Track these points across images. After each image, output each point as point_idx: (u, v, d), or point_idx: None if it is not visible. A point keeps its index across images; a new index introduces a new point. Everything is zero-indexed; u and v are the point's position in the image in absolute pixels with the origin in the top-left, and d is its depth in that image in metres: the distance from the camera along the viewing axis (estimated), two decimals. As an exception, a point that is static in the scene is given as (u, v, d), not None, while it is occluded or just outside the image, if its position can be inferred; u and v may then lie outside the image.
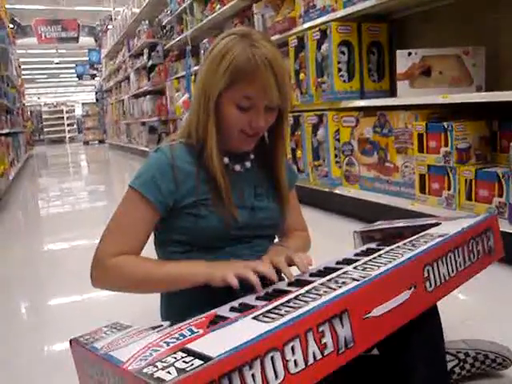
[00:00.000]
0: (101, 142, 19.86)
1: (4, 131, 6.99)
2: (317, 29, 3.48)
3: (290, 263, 1.10)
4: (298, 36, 3.76)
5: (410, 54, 2.72)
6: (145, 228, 1.17)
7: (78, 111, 24.45)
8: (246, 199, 1.22)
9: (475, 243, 1.16)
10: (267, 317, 0.78)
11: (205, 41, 6.37)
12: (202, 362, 0.65)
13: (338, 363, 0.78)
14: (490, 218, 1.26)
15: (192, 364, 0.65)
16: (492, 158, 2.54)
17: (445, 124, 2.48)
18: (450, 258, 1.06)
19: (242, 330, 0.74)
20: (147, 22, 9.29)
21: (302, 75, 3.74)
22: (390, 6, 3.06)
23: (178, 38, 7.43)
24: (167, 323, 0.91)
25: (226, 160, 1.21)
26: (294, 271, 1.08)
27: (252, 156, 1.28)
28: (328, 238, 2.90)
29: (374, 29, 3.39)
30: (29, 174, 9.32)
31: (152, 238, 1.26)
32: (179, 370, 0.64)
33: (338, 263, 1.16)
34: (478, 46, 2.69)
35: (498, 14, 2.67)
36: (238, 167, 1.24)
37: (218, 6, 5.78)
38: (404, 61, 2.73)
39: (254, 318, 0.79)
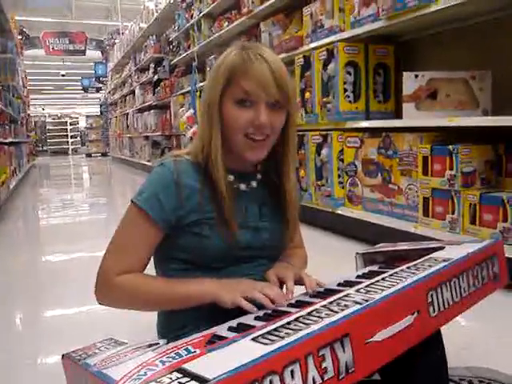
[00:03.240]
0: (103, 154, 19.92)
1: (7, 140, 7.00)
2: (323, 49, 3.48)
3: (297, 280, 1.10)
4: (304, 55, 3.77)
5: (416, 76, 2.72)
6: (148, 245, 1.14)
7: (82, 123, 24.58)
8: (251, 219, 1.19)
9: (480, 269, 1.13)
10: (266, 338, 0.75)
11: (211, 57, 6.41)
12: None
13: None
14: (495, 244, 1.23)
15: None
16: (497, 183, 2.52)
17: (450, 147, 2.46)
18: (455, 283, 1.04)
19: (241, 352, 0.71)
20: (154, 37, 9.37)
21: (307, 94, 3.75)
22: (397, 28, 3.07)
23: (185, 54, 7.48)
24: (163, 341, 0.88)
25: (231, 177, 1.18)
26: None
27: (259, 176, 1.25)
28: (329, 259, 2.87)
29: (381, 50, 3.40)
30: (30, 184, 9.32)
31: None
32: None
33: (339, 285, 1.14)
34: (485, 71, 2.69)
35: (505, 38, 2.68)
36: (243, 186, 1.21)
37: (226, 24, 5.82)
38: (410, 83, 2.72)
39: (253, 339, 0.76)
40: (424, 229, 2.65)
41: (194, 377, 0.65)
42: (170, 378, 0.65)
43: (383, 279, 1.01)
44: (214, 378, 0.63)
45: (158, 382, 0.65)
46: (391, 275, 1.03)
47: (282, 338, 0.74)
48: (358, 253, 1.47)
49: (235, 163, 1.18)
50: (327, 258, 2.83)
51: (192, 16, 6.99)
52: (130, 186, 8.69)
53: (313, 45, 3.74)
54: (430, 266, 1.05)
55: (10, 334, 2.13)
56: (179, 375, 0.66)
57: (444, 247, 1.25)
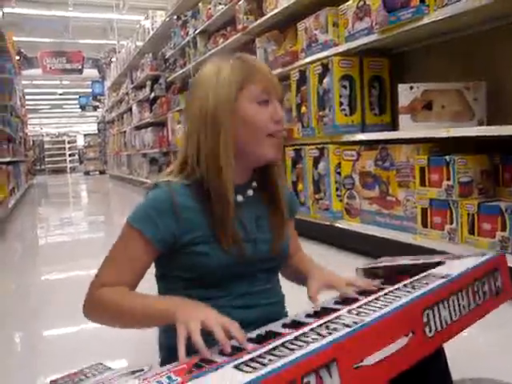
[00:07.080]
0: (101, 172, 19.90)
1: (5, 159, 7.00)
2: (319, 63, 3.51)
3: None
4: (299, 70, 3.79)
5: (411, 88, 2.73)
6: (139, 262, 1.11)
7: (80, 142, 24.61)
8: (250, 232, 1.16)
9: (481, 285, 1.08)
10: (249, 366, 0.72)
11: (207, 74, 6.43)
12: None
13: None
14: (497, 258, 1.18)
15: None
16: (494, 192, 2.52)
17: (447, 158, 2.47)
18: (453, 301, 0.99)
19: (221, 381, 0.69)
20: (151, 55, 9.43)
21: (303, 108, 3.76)
22: (391, 41, 3.09)
23: (181, 71, 7.52)
24: (148, 367, 0.86)
25: None
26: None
27: (254, 184, 1.22)
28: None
29: (376, 63, 3.43)
30: (28, 203, 9.30)
31: (153, 270, 1.21)
32: None
33: (336, 303, 1.12)
34: (479, 81, 2.70)
35: (498, 48, 2.70)
36: (240, 197, 1.18)
37: (221, 40, 5.86)
38: (406, 95, 2.74)
39: (235, 366, 0.73)
40: (423, 240, 2.65)
41: None
42: None
43: (377, 299, 0.97)
44: None
45: None
46: (386, 294, 0.99)
47: (265, 365, 0.71)
48: (358, 268, 1.44)
49: (251, 160, 1.18)
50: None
51: (187, 33, 7.04)
52: (128, 203, 8.67)
53: (308, 59, 3.76)
54: (426, 283, 1.01)
55: (6, 353, 2.12)
56: None
57: (444, 262, 1.22)
